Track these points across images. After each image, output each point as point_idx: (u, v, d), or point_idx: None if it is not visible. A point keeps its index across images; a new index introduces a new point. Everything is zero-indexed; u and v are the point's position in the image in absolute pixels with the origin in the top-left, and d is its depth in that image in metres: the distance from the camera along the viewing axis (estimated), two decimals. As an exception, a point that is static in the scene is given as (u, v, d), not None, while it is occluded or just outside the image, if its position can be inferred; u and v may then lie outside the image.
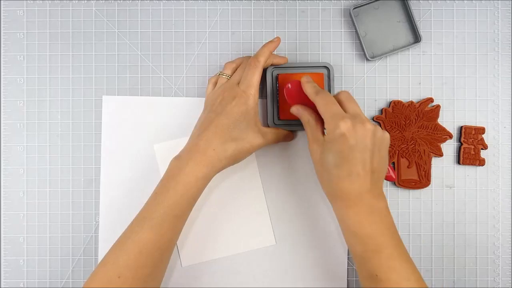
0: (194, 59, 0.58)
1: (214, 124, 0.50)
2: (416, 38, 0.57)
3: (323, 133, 0.48)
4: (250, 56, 0.54)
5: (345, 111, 0.47)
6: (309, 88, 0.49)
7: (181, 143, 0.57)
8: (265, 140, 0.53)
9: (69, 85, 0.58)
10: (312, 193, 0.57)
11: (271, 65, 0.56)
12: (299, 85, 0.51)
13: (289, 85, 0.52)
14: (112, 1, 0.58)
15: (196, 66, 0.58)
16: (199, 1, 0.58)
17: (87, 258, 0.57)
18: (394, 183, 0.57)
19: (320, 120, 0.49)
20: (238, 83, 0.52)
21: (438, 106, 0.57)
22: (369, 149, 0.45)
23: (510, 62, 0.58)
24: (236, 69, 0.55)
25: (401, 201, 0.58)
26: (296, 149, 0.58)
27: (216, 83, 0.55)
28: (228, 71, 0.54)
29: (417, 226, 0.58)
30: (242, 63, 0.55)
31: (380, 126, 0.57)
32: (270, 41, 0.54)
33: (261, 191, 0.57)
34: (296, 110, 0.51)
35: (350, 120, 0.45)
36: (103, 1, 0.58)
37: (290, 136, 0.57)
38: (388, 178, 0.56)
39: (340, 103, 0.48)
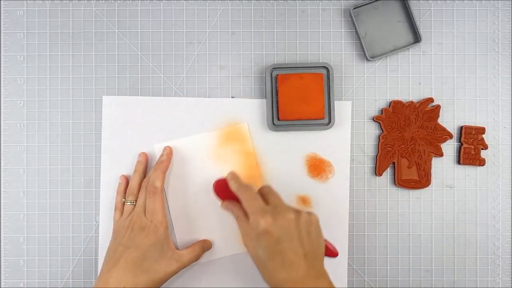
0: (194, 59, 0.58)
1: (123, 258, 0.50)
2: (416, 38, 0.57)
3: None
4: (142, 160, 0.56)
5: (267, 203, 0.48)
6: (232, 185, 0.51)
7: (181, 143, 0.57)
8: (181, 264, 0.52)
9: (69, 85, 0.58)
10: (311, 192, 0.57)
11: (273, 67, 0.56)
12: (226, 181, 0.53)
13: (219, 181, 0.53)
14: (112, 1, 0.58)
15: (196, 66, 0.58)
16: (199, 1, 0.58)
17: (87, 258, 0.57)
18: (394, 183, 0.57)
19: None
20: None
21: (438, 106, 0.57)
22: (296, 236, 0.46)
23: (510, 62, 0.58)
24: (138, 189, 0.55)
25: (401, 201, 0.58)
26: (291, 148, 0.58)
27: (122, 210, 0.55)
28: (132, 197, 0.54)
29: (417, 226, 0.58)
30: (143, 183, 0.54)
31: (380, 126, 0.57)
32: (160, 161, 0.55)
33: (261, 191, 0.57)
34: (225, 206, 0.53)
35: (269, 214, 0.46)
36: (103, 1, 0.58)
37: (209, 245, 0.56)
38: (329, 254, 0.53)
39: (262, 196, 0.49)
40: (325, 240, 0.50)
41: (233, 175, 0.53)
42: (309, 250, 0.46)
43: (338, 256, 0.53)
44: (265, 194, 0.50)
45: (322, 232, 0.49)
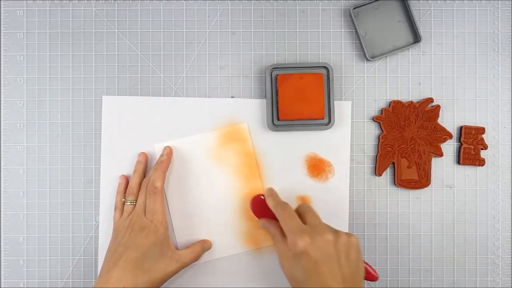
0: (194, 59, 0.58)
1: (123, 258, 0.49)
2: (416, 38, 0.57)
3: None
4: (143, 161, 0.56)
5: (305, 223, 0.47)
6: (270, 202, 0.51)
7: (181, 143, 0.57)
8: (181, 264, 0.52)
9: (69, 85, 0.58)
10: (311, 192, 0.58)
11: (272, 68, 0.56)
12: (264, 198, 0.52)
13: (256, 197, 0.53)
14: (112, 1, 0.58)
15: (196, 66, 0.58)
16: (199, 1, 0.58)
17: (87, 258, 0.57)
18: (394, 183, 0.57)
19: None
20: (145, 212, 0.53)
21: (438, 106, 0.57)
22: (335, 259, 0.45)
23: (510, 62, 0.58)
24: (138, 189, 0.55)
25: (401, 201, 0.58)
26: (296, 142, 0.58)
27: (122, 210, 0.55)
28: (132, 197, 0.54)
29: (417, 226, 0.58)
30: (143, 183, 0.54)
31: (380, 126, 0.57)
32: (160, 161, 0.55)
33: (261, 192, 0.57)
34: (262, 224, 0.52)
35: (307, 234, 0.45)
36: (103, 1, 0.58)
37: (209, 245, 0.56)
38: (368, 277, 0.52)
39: (300, 215, 0.49)
40: (365, 263, 0.48)
41: (271, 191, 0.52)
42: (348, 274, 0.45)
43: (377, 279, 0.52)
44: (303, 213, 0.49)
45: (362, 254, 0.48)
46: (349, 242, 0.47)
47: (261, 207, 0.52)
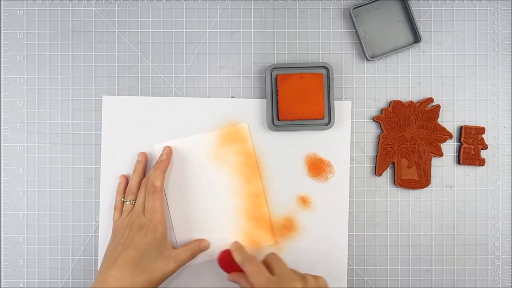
0: (194, 59, 0.58)
1: (122, 257, 0.50)
2: (416, 38, 0.57)
3: None
4: (143, 160, 0.56)
5: (272, 273, 0.48)
6: (236, 256, 0.50)
7: (181, 143, 0.57)
8: (179, 262, 0.52)
9: (69, 85, 0.58)
10: (311, 192, 0.57)
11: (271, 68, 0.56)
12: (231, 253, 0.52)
13: (224, 252, 0.52)
14: (112, 1, 0.58)
15: (196, 66, 0.58)
16: (199, 1, 0.58)
17: (87, 258, 0.57)
18: (394, 183, 0.57)
19: None
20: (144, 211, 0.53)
21: (438, 106, 0.57)
22: None
23: (510, 62, 0.58)
24: (138, 189, 0.55)
25: (401, 201, 0.58)
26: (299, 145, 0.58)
27: (121, 209, 0.55)
28: (131, 196, 0.54)
29: (417, 226, 0.58)
30: (142, 182, 0.55)
31: (380, 126, 0.57)
32: (160, 161, 0.55)
33: (261, 192, 0.57)
34: (232, 279, 0.52)
35: (275, 287, 0.45)
36: (103, 1, 0.58)
37: (206, 244, 0.56)
38: None
39: (267, 266, 0.49)
40: None
41: (237, 245, 0.52)
42: None
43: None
44: (270, 264, 0.49)
45: None
46: (317, 285, 0.47)
47: (229, 261, 0.51)
